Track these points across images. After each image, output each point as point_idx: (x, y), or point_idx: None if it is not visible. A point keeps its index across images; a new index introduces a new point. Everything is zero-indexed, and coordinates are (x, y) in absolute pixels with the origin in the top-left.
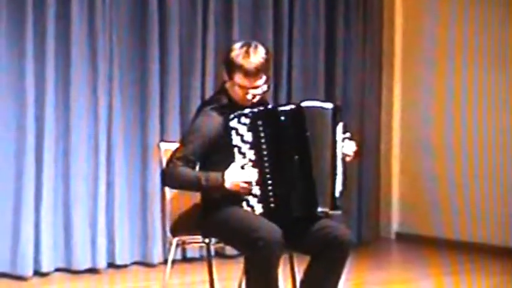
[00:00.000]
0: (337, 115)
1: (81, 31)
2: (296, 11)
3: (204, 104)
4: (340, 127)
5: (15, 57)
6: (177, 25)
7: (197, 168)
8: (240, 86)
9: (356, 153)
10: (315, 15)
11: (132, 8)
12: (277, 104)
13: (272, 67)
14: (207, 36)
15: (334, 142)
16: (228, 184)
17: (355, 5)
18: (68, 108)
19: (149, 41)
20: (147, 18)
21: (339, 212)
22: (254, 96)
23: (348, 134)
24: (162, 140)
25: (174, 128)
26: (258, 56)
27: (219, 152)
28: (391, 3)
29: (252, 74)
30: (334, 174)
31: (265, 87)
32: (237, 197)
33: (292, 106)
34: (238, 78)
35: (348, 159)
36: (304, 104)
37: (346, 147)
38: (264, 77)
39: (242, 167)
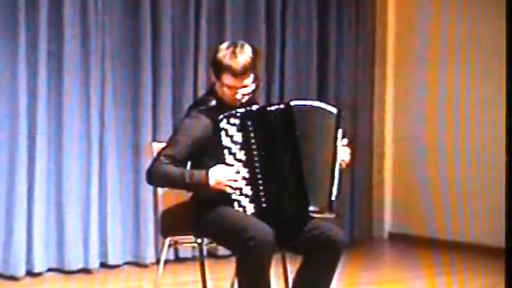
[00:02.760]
0: (340, 120)
1: (74, 31)
2: (288, 12)
3: (193, 106)
4: (340, 132)
5: (8, 58)
6: (170, 25)
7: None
8: (229, 87)
9: (350, 161)
10: (307, 15)
11: (124, 8)
12: (266, 104)
13: (264, 67)
14: (199, 37)
15: (335, 146)
16: (212, 182)
17: (347, 6)
18: (60, 108)
19: (141, 41)
20: (140, 18)
21: (332, 216)
22: (243, 95)
23: (345, 141)
24: (154, 139)
25: (167, 128)
26: (244, 55)
27: (208, 154)
28: (383, 4)
29: (240, 74)
30: (332, 178)
31: (253, 86)
32: (228, 197)
33: (282, 105)
34: (227, 78)
35: (343, 165)
36: (294, 102)
37: (343, 153)
38: (251, 76)
39: (227, 165)
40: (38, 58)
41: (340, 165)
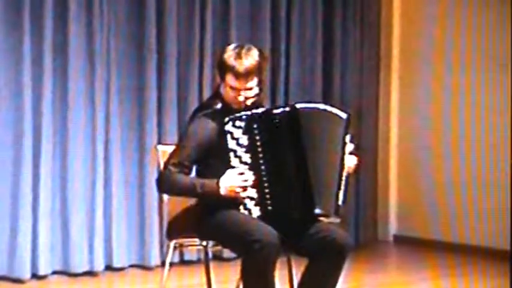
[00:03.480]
0: (348, 125)
1: (79, 33)
2: (294, 14)
3: (198, 109)
4: (348, 137)
5: (13, 60)
6: (175, 28)
7: (193, 173)
8: (232, 88)
9: (356, 167)
10: (312, 17)
11: (129, 9)
12: (272, 106)
13: (269, 70)
14: (204, 39)
15: (343, 151)
16: (223, 191)
17: (352, 7)
18: (65, 110)
19: (147, 43)
20: (145, 20)
21: (337, 220)
22: (247, 98)
23: (352, 146)
24: (159, 142)
25: (172, 130)
26: (250, 58)
27: (214, 157)
28: (388, 6)
29: (242, 76)
30: (339, 182)
31: (257, 90)
32: (233, 200)
33: (287, 108)
34: (230, 79)
35: (349, 171)
36: (299, 105)
37: (349, 159)
38: (255, 79)
39: (237, 173)
40: (43, 60)
41: (346, 170)
